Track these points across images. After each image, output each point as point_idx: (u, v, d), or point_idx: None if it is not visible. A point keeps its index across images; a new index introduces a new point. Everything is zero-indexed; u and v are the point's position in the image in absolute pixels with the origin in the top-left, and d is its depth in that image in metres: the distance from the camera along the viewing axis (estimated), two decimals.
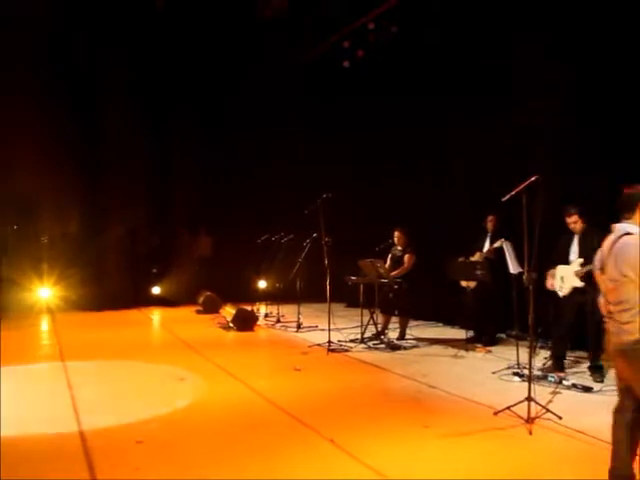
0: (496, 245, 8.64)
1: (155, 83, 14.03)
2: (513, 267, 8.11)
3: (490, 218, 9.20)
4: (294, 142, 14.56)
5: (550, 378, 6.97)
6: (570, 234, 7.39)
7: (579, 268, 7.12)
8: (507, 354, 8.33)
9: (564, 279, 7.31)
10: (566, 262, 7.34)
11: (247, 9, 13.24)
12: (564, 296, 7.34)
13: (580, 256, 7.20)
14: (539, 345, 8.71)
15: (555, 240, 7.55)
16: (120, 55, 13.29)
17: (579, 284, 7.13)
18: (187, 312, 13.13)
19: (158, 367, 7.93)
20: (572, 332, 7.31)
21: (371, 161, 13.17)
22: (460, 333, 9.78)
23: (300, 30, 13.34)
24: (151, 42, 13.68)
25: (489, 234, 9.20)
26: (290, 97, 14.58)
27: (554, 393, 6.50)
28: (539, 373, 7.12)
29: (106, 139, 13.66)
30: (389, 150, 12.57)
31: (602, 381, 7.02)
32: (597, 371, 7.15)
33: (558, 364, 7.31)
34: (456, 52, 10.62)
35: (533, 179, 5.63)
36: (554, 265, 7.45)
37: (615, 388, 6.60)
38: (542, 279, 8.20)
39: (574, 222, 7.27)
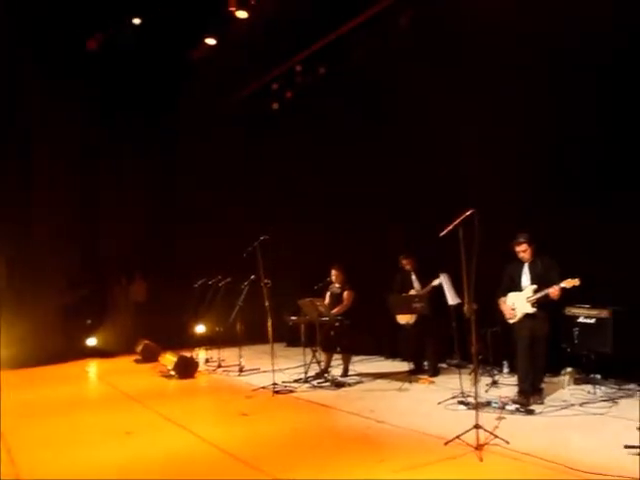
0: (435, 283, 8.83)
1: (83, 127, 13.84)
2: (451, 298, 8.31)
3: (405, 262, 9.46)
4: (229, 184, 14.58)
5: (494, 404, 7.14)
6: (519, 261, 7.55)
7: (532, 294, 7.31)
8: (450, 383, 8.50)
9: (515, 306, 7.49)
10: (517, 289, 7.50)
11: (178, 50, 13.30)
12: (515, 323, 7.51)
13: (532, 283, 7.38)
14: (480, 372, 8.93)
15: (493, 270, 7.79)
16: (48, 100, 13.10)
17: (530, 310, 7.32)
18: (125, 362, 12.84)
19: (101, 422, 7.71)
20: (532, 361, 7.37)
21: (306, 201, 13.30)
22: (402, 365, 9.90)
23: (229, 71, 13.46)
24: (82, 85, 13.51)
25: (412, 272, 9.45)
26: (222, 138, 14.61)
27: (499, 418, 6.67)
28: (483, 400, 7.27)
29: (33, 186, 13.39)
30: (322, 189, 12.74)
31: (542, 403, 7.24)
32: (538, 394, 7.37)
33: (526, 398, 7.23)
34: (388, 88, 10.95)
35: (468, 213, 5.83)
36: (504, 293, 7.62)
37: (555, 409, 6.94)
38: (481, 309, 8.47)
39: (523, 251, 7.43)
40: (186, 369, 10.55)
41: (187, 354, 11.22)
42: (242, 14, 11.57)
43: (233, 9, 11.46)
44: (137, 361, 12.71)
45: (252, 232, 9.52)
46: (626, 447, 5.48)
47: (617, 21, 7.66)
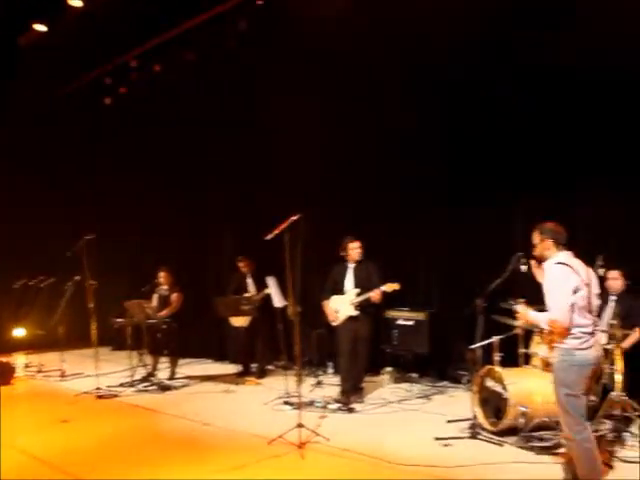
0: (267, 292, 8.86)
1: None
2: (278, 301, 8.47)
3: (242, 263, 9.54)
4: (54, 180, 13.88)
5: (317, 404, 7.38)
6: (344, 264, 7.79)
7: (354, 298, 7.56)
8: (276, 384, 8.61)
9: (339, 308, 7.69)
10: (341, 292, 7.71)
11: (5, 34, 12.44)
12: (338, 325, 7.73)
13: (355, 286, 7.63)
14: (305, 373, 9.17)
15: (319, 273, 8.04)
16: None
17: (353, 313, 7.56)
18: None
19: None
20: (354, 361, 7.65)
21: (135, 200, 12.95)
22: (230, 368, 9.95)
23: (61, 62, 12.79)
24: None
25: (248, 274, 9.53)
26: (51, 130, 13.87)
27: (322, 417, 6.90)
28: (306, 400, 7.49)
29: None
30: (153, 189, 12.47)
31: (363, 402, 7.57)
32: (359, 393, 7.69)
33: (347, 397, 7.50)
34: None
35: (295, 218, 5.99)
36: (328, 296, 7.81)
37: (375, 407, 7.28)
38: (308, 311, 8.70)
39: (358, 247, 7.63)
40: (1, 375, 9.94)
41: (3, 359, 10.56)
42: (76, 2, 11.09)
43: None
44: None
45: (77, 231, 9.17)
46: (436, 439, 5.95)
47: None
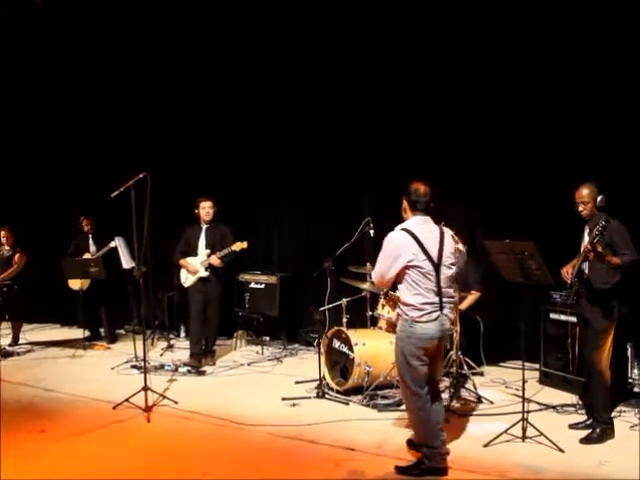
0: (112, 245, 8.63)
1: None
2: (126, 262, 8.26)
3: (85, 222, 9.21)
4: None
5: (167, 367, 7.30)
6: (198, 226, 7.65)
7: (205, 259, 7.48)
8: (126, 349, 8.40)
9: (190, 270, 7.58)
10: (194, 254, 7.58)
11: None
12: (189, 287, 7.63)
13: (207, 247, 7.54)
14: (157, 337, 9.05)
15: (172, 234, 7.90)
16: None
17: (204, 274, 7.49)
18: None
19: None
20: (205, 324, 7.61)
21: None
22: (78, 333, 9.59)
23: None
24: None
25: (90, 235, 9.22)
26: None
27: (171, 380, 6.86)
28: (157, 363, 7.43)
29: None
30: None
31: (214, 364, 7.59)
32: (211, 356, 7.70)
33: (198, 360, 7.47)
34: None
35: (141, 175, 5.81)
36: (183, 256, 7.65)
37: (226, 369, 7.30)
38: (159, 273, 8.57)
39: (210, 207, 7.53)
40: None
41: None
42: None
43: None
44: None
45: None
46: (283, 399, 6.07)
47: None
